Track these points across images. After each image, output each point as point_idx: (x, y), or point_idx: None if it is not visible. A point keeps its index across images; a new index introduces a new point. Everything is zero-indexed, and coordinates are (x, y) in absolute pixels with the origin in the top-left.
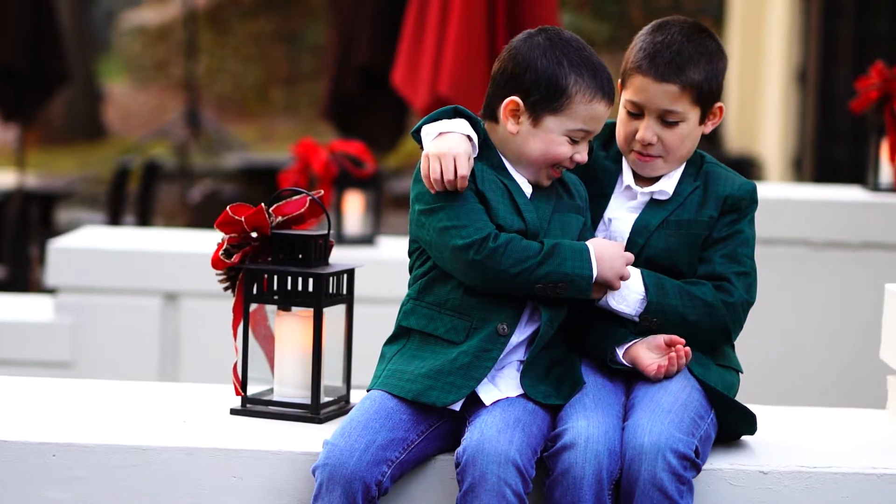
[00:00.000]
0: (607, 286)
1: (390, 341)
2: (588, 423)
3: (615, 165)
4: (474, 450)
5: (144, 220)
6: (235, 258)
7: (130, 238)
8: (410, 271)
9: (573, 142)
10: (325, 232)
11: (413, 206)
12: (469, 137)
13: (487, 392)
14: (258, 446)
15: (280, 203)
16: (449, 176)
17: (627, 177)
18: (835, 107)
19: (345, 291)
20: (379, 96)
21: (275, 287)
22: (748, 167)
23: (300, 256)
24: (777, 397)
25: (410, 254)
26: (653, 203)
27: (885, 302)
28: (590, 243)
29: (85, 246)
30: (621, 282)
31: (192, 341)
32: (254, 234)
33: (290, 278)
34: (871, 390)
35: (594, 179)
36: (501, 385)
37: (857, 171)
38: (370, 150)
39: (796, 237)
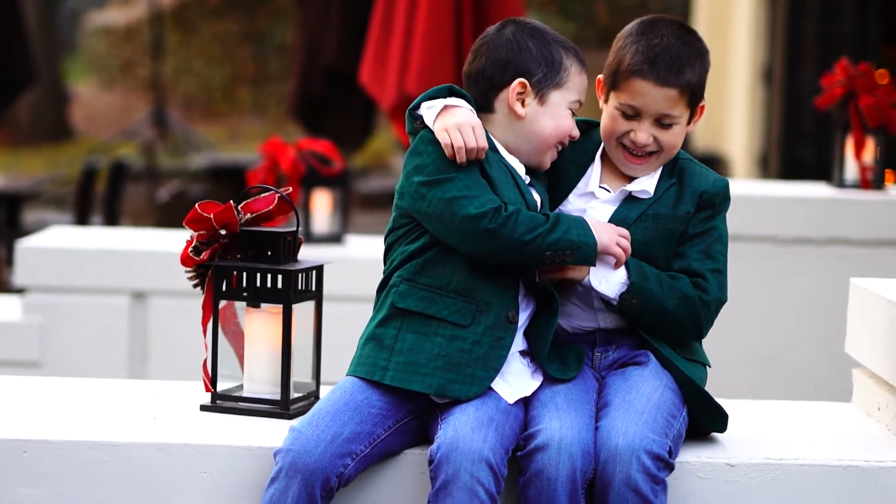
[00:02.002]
0: (606, 254)
1: (383, 323)
2: (561, 424)
3: (579, 170)
4: (448, 447)
5: (112, 220)
6: (204, 255)
7: (98, 237)
8: (389, 249)
9: (572, 115)
10: (294, 229)
11: (410, 178)
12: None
13: (503, 389)
14: (228, 442)
15: (249, 200)
16: (471, 145)
17: (593, 183)
18: (800, 105)
19: (314, 288)
20: (346, 96)
21: (244, 284)
22: (714, 165)
23: (269, 253)
24: (745, 392)
25: (395, 230)
26: (631, 197)
27: (850, 296)
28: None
29: (53, 245)
30: (606, 264)
31: (160, 340)
32: (223, 232)
33: (259, 275)
34: (837, 383)
35: (554, 174)
36: (511, 379)
37: (823, 168)
38: (338, 149)
39: (763, 234)
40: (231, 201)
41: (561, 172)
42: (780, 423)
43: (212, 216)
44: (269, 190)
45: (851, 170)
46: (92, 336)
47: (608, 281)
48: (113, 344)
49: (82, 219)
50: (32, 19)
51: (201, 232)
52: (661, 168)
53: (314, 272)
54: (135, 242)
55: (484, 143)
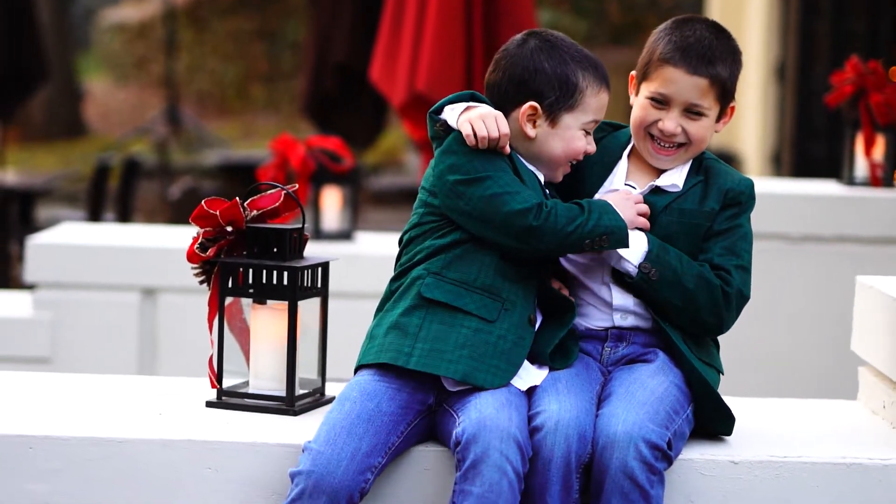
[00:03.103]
0: (633, 228)
1: (407, 313)
2: (560, 407)
3: (604, 170)
4: (476, 427)
5: (124, 217)
6: (210, 252)
7: (108, 234)
8: (410, 242)
9: (586, 134)
10: (300, 226)
11: (444, 177)
12: None
13: (514, 381)
14: (233, 438)
15: (255, 197)
16: (494, 134)
17: (618, 180)
18: (813, 103)
19: (319, 285)
20: (357, 93)
21: (250, 280)
22: (728, 162)
23: (275, 250)
24: (750, 389)
25: (420, 225)
26: (657, 190)
27: (857, 294)
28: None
29: (63, 242)
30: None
31: (170, 336)
32: (229, 228)
33: (264, 272)
34: (844, 381)
35: (579, 175)
36: (523, 373)
37: (835, 165)
38: (348, 146)
39: (772, 231)
40: (237, 198)
41: (585, 174)
42: (784, 421)
43: (218, 213)
44: (275, 187)
45: (861, 167)
46: (102, 332)
47: (630, 248)
48: (123, 340)
49: (95, 215)
50: (46, 16)
51: (207, 229)
52: (689, 164)
53: (320, 269)
54: (145, 239)
55: (506, 131)
